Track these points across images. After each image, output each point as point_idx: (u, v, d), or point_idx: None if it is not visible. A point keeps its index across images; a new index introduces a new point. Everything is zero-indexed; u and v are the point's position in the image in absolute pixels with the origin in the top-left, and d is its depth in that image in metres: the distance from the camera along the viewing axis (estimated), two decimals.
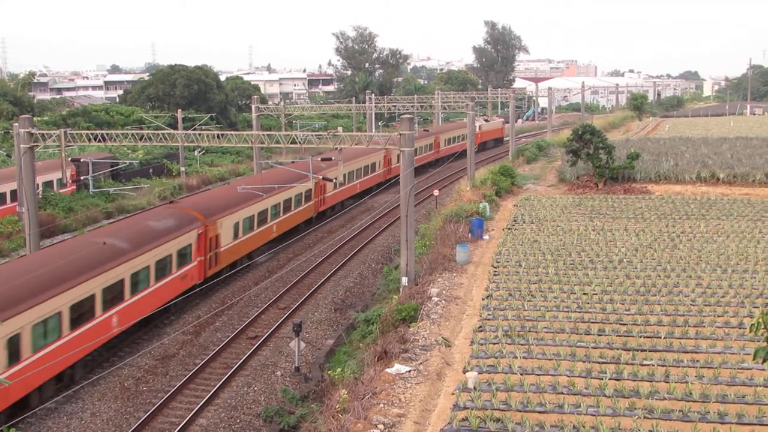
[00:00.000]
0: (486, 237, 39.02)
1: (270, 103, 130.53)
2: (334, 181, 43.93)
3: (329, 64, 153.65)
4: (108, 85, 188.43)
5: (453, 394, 20.12)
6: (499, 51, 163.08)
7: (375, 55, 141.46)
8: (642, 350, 22.69)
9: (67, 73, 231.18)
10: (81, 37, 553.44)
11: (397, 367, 21.84)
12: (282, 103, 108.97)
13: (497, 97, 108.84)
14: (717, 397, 19.31)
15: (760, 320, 11.57)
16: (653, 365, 21.45)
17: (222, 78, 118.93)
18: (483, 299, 28.23)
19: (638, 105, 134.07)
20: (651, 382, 20.34)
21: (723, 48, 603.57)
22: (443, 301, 28.19)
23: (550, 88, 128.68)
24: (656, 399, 19.29)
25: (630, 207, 45.93)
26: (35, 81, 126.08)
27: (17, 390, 21.91)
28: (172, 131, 39.80)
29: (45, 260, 25.90)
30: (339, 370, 22.80)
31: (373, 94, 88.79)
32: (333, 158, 39.05)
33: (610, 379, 20.55)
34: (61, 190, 53.85)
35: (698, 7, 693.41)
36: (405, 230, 30.96)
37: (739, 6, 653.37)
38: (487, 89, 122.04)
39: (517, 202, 48.86)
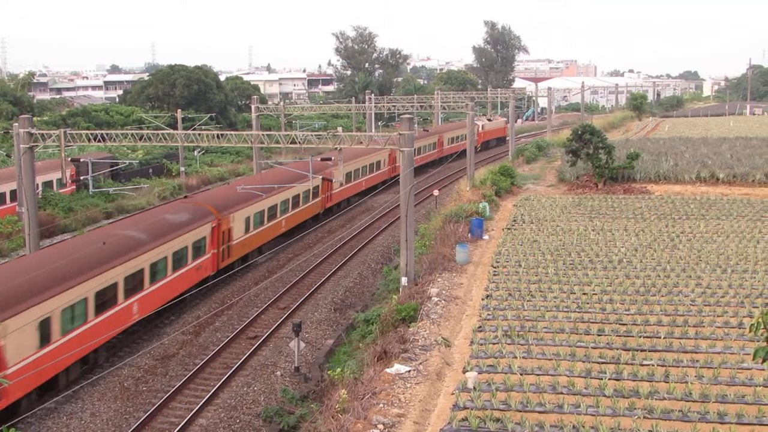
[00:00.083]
0: (486, 237, 39.02)
1: (270, 103, 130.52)
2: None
3: (329, 64, 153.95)
4: (108, 85, 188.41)
5: (453, 394, 20.12)
6: (499, 51, 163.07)
7: (375, 55, 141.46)
8: (642, 350, 22.70)
9: (66, 73, 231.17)
10: (81, 37, 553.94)
11: (397, 367, 21.84)
12: (282, 103, 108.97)
13: (497, 97, 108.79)
14: (717, 397, 19.31)
15: (760, 320, 11.58)
16: (653, 365, 21.45)
17: (222, 78, 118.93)
18: (483, 299, 28.24)
19: (638, 105, 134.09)
20: (651, 382, 20.34)
21: (723, 48, 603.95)
22: (443, 301, 28.19)
23: (549, 88, 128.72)
24: (656, 399, 19.29)
25: (630, 207, 45.93)
26: (35, 81, 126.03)
27: (49, 370, 23.28)
28: (171, 131, 39.81)
29: (71, 249, 27.30)
30: (339, 370, 22.81)
31: (372, 94, 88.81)
32: (333, 158, 39.17)
33: (609, 379, 20.55)
34: (61, 190, 53.84)
35: (698, 7, 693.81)
36: (405, 230, 30.96)
37: (739, 6, 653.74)
38: (487, 89, 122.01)
39: (517, 202, 48.87)
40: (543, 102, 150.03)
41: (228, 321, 32.19)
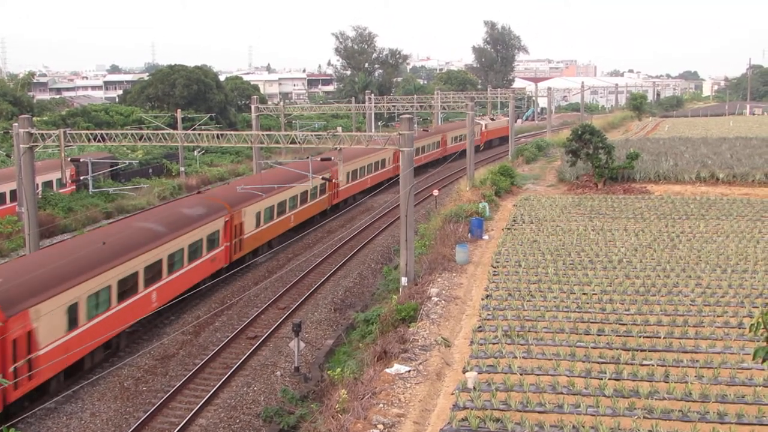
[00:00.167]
0: (485, 237, 39.02)
1: (269, 103, 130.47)
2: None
3: (329, 64, 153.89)
4: (107, 85, 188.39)
5: (452, 394, 20.12)
6: (499, 51, 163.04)
7: (374, 55, 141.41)
8: (641, 350, 22.70)
9: (66, 73, 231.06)
10: (81, 37, 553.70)
11: (397, 367, 21.84)
12: (281, 103, 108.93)
13: (497, 97, 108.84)
14: (716, 397, 19.31)
15: (760, 320, 11.58)
16: (653, 365, 21.45)
17: (221, 78, 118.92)
18: (482, 299, 28.24)
19: (638, 105, 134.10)
20: (650, 382, 20.34)
21: (722, 48, 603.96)
22: (443, 301, 28.19)
23: (549, 88, 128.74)
24: (656, 399, 19.29)
25: (629, 207, 45.93)
26: (35, 81, 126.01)
27: (76, 352, 24.73)
28: (171, 131, 39.82)
29: (95, 239, 28.68)
30: (338, 370, 22.81)
31: (372, 94, 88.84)
32: (332, 158, 39.30)
33: (609, 379, 20.55)
34: (61, 190, 53.84)
35: (698, 7, 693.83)
36: (404, 230, 30.96)
37: (739, 6, 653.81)
38: (487, 89, 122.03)
39: (517, 202, 48.87)
40: (543, 102, 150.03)
41: (228, 321, 32.19)
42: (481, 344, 23.37)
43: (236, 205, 37.49)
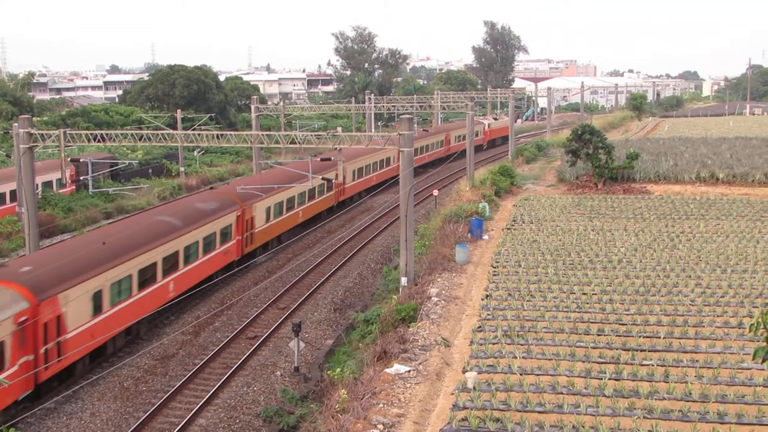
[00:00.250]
0: (485, 237, 39.02)
1: (269, 103, 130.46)
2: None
3: (329, 64, 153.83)
4: (107, 85, 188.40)
5: (452, 394, 20.12)
6: (499, 51, 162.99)
7: (374, 55, 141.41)
8: (641, 350, 22.70)
9: (66, 74, 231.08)
10: (81, 37, 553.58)
11: (397, 367, 21.84)
12: (281, 104, 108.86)
13: (497, 97, 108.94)
14: (716, 397, 19.32)
15: (760, 320, 11.58)
16: (653, 365, 21.45)
17: (221, 78, 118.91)
18: (482, 299, 28.24)
19: (637, 105, 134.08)
20: (650, 382, 20.34)
21: (722, 48, 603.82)
22: (443, 301, 28.18)
23: (549, 88, 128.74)
24: (656, 399, 19.29)
25: (629, 207, 45.93)
26: (35, 81, 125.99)
27: (100, 335, 26.21)
28: (171, 131, 39.83)
29: (117, 231, 30.30)
30: (338, 370, 22.81)
31: (372, 94, 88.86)
32: (332, 158, 39.52)
33: (609, 379, 20.55)
34: (61, 191, 53.82)
35: (698, 7, 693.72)
36: (404, 230, 30.96)
37: (739, 6, 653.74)
38: (487, 89, 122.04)
39: (517, 202, 48.87)
40: (543, 102, 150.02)
41: (228, 321, 32.19)
42: (481, 344, 23.37)
43: (247, 200, 38.84)
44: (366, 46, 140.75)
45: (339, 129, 36.70)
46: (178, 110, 72.96)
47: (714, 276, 30.60)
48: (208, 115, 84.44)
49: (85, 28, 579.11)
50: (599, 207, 46.30)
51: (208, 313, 32.84)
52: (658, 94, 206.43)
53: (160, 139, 35.60)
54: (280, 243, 44.32)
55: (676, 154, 62.03)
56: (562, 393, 19.83)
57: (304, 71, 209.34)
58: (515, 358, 22.23)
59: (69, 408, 24.12)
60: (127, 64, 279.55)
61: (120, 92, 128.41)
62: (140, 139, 35.51)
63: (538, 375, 20.96)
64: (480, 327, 25.08)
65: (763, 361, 11.60)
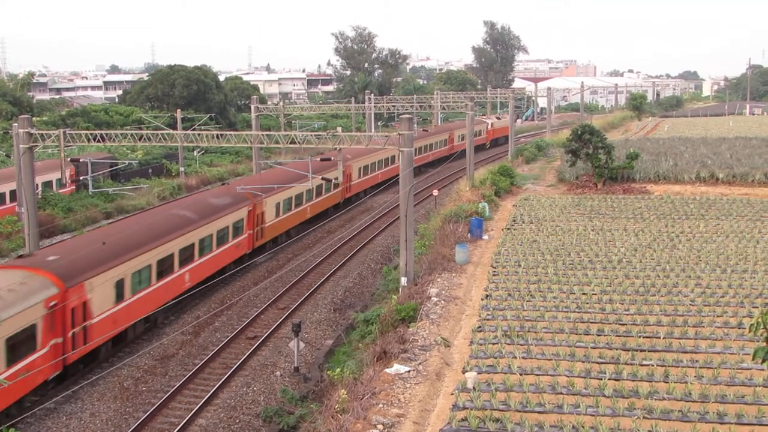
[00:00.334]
0: (485, 237, 39.01)
1: (269, 103, 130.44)
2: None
3: (328, 64, 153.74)
4: (107, 85, 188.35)
5: (452, 394, 20.12)
6: (499, 51, 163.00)
7: (374, 55, 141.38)
8: (641, 350, 22.69)
9: (66, 74, 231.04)
10: (80, 37, 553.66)
11: (397, 368, 21.84)
12: (281, 103, 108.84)
13: (496, 97, 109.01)
14: (716, 397, 19.31)
15: (760, 320, 11.58)
16: (652, 365, 21.45)
17: (221, 78, 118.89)
18: (482, 299, 28.23)
19: (637, 105, 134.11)
20: (650, 382, 20.34)
21: (722, 48, 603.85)
22: (442, 302, 28.18)
23: (549, 88, 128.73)
24: (655, 399, 19.29)
25: (629, 207, 45.93)
26: (34, 81, 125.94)
27: (122, 321, 27.68)
28: (171, 131, 39.83)
29: (136, 223, 31.85)
30: (338, 370, 22.81)
31: (372, 94, 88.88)
32: (332, 158, 39.64)
33: (609, 379, 20.55)
34: (61, 191, 53.81)
35: (698, 7, 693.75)
36: (404, 230, 30.96)
37: (739, 6, 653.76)
38: (487, 89, 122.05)
39: (517, 202, 48.86)
40: (542, 102, 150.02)
41: (228, 321, 32.18)
42: (481, 344, 23.36)
43: (258, 196, 40.17)
44: (366, 46, 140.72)
45: (339, 129, 36.70)
46: (178, 110, 72.92)
47: (714, 276, 30.59)
48: (208, 115, 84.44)
49: (85, 28, 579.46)
50: (599, 207, 46.30)
51: (208, 313, 32.84)
52: (658, 94, 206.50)
53: (160, 139, 35.59)
54: (289, 238, 45.68)
55: (676, 154, 62.03)
56: (561, 393, 19.83)
57: (304, 71, 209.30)
58: (515, 358, 22.23)
59: (69, 408, 24.11)
60: (127, 64, 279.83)
61: (120, 92, 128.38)
62: (140, 139, 35.51)
63: (538, 375, 20.96)
64: (480, 327, 25.08)
65: (763, 361, 11.60)
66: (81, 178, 55.16)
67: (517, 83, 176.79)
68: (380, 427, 18.28)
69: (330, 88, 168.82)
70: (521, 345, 23.23)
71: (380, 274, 37.67)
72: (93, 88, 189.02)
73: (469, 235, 38.69)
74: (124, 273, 27.57)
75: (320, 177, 41.06)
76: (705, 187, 52.69)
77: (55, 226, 46.80)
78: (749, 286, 29.04)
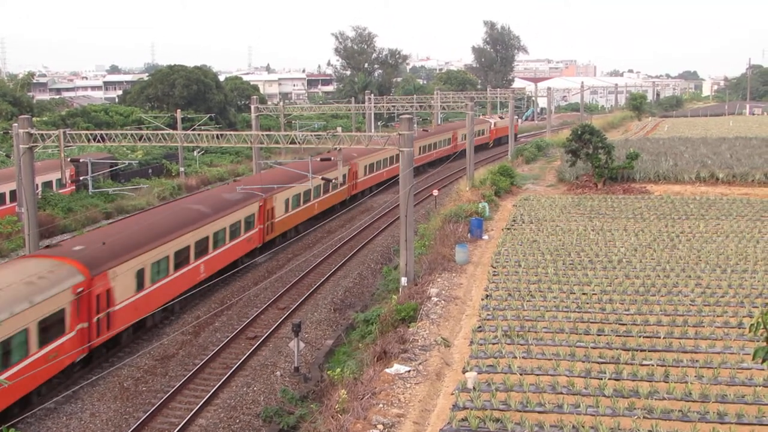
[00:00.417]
0: (485, 237, 39.02)
1: (269, 103, 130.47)
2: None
3: (328, 64, 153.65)
4: (107, 85, 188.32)
5: (452, 394, 20.12)
6: (499, 51, 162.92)
7: (374, 55, 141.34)
8: (641, 350, 22.69)
9: (66, 74, 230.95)
10: (80, 37, 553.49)
11: (397, 368, 21.84)
12: (281, 104, 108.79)
13: (496, 97, 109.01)
14: (716, 397, 19.31)
15: (760, 320, 11.58)
16: (652, 365, 21.45)
17: (221, 78, 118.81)
18: (482, 299, 28.23)
19: (637, 105, 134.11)
20: (650, 382, 20.34)
21: (722, 48, 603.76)
22: (442, 302, 28.18)
23: (549, 88, 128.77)
24: (655, 399, 19.29)
25: (629, 207, 45.93)
26: (34, 81, 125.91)
27: (144, 310, 29.18)
28: (171, 131, 39.82)
29: (155, 216, 33.15)
30: (338, 370, 22.80)
31: (372, 94, 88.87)
32: (332, 158, 39.72)
33: (609, 379, 20.55)
34: (61, 191, 53.80)
35: (698, 7, 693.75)
36: (404, 230, 30.96)
37: (739, 6, 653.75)
38: (487, 89, 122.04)
39: (517, 202, 48.86)
40: (542, 102, 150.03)
41: (228, 321, 32.18)
42: (481, 344, 23.36)
43: (268, 192, 41.32)
44: (366, 46, 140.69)
45: (339, 129, 36.75)
46: (178, 110, 72.90)
47: (714, 276, 30.59)
48: (208, 115, 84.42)
49: (85, 28, 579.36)
50: (599, 207, 46.30)
51: (208, 313, 32.84)
52: (658, 94, 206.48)
53: (160, 139, 35.59)
54: (297, 233, 46.88)
55: (675, 154, 62.03)
56: (562, 393, 19.83)
57: (304, 71, 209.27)
58: (515, 358, 22.23)
59: (69, 408, 24.11)
60: (127, 64, 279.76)
61: (120, 92, 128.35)
62: (140, 139, 35.51)
63: (538, 375, 20.96)
64: (480, 327, 25.08)
65: (763, 361, 11.60)
66: (81, 178, 55.14)
67: (517, 83, 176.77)
68: (380, 427, 18.29)
69: (330, 88, 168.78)
70: (521, 345, 23.23)
71: (380, 274, 37.66)
72: (93, 88, 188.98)
73: (469, 235, 38.69)
74: (144, 263, 28.95)
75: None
76: (705, 187, 52.69)
77: (55, 226, 46.78)
78: (749, 286, 29.04)
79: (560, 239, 37.41)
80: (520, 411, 18.79)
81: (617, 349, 22.72)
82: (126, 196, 55.77)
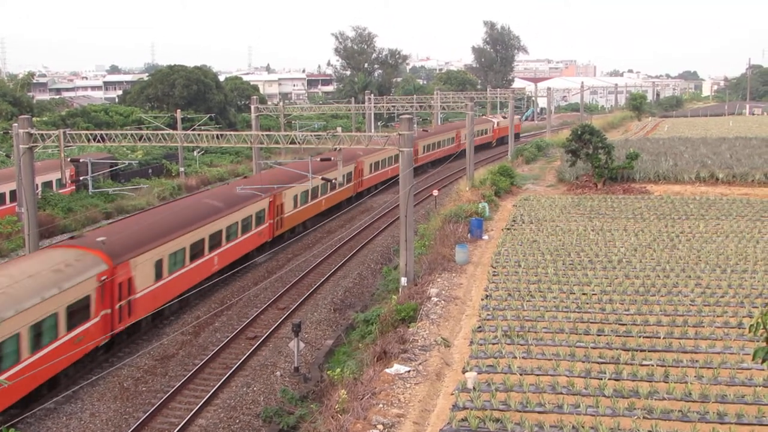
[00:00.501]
0: (485, 237, 39.02)
1: (269, 103, 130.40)
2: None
3: (328, 64, 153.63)
4: (107, 85, 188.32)
5: (452, 394, 20.12)
6: (498, 51, 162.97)
7: (374, 55, 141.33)
8: (641, 350, 22.69)
9: (66, 74, 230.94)
10: (80, 37, 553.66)
11: (397, 368, 21.84)
12: (281, 104, 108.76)
13: (496, 97, 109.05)
14: (716, 398, 19.31)
15: (760, 320, 11.58)
16: (652, 365, 21.45)
17: (221, 78, 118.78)
18: (482, 299, 28.23)
19: (637, 105, 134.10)
20: (650, 382, 20.34)
21: (722, 48, 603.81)
22: (442, 302, 28.18)
23: (549, 88, 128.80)
24: (655, 399, 19.29)
25: (629, 207, 45.93)
26: (34, 81, 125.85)
27: (162, 299, 30.45)
28: (171, 131, 39.83)
29: (172, 210, 34.79)
30: (338, 370, 22.80)
31: (372, 95, 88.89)
32: (332, 158, 39.75)
33: (609, 379, 20.55)
34: (61, 191, 53.80)
35: (698, 7, 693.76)
36: (404, 230, 30.96)
37: (739, 6, 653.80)
38: (486, 89, 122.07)
39: (517, 203, 48.86)
40: (542, 102, 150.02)
41: (228, 321, 32.18)
42: (481, 344, 23.36)
43: (278, 188, 42.67)
44: (366, 46, 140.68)
45: (339, 129, 36.79)
46: (178, 110, 72.90)
47: (714, 276, 30.59)
48: (208, 115, 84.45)
49: (85, 28, 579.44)
50: (599, 207, 46.30)
51: (208, 313, 32.84)
52: (658, 94, 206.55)
53: (160, 139, 35.58)
54: (305, 229, 48.11)
55: (675, 154, 62.04)
56: (562, 393, 19.83)
57: (303, 71, 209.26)
58: (515, 358, 22.23)
59: (69, 408, 24.11)
60: (126, 64, 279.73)
61: (120, 92, 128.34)
62: (140, 140, 35.51)
63: (538, 375, 20.96)
64: (480, 327, 25.08)
65: (763, 361, 11.60)
66: (81, 178, 55.12)
67: (517, 83, 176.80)
68: (380, 427, 18.29)
69: (330, 88, 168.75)
70: (521, 345, 23.23)
71: (380, 274, 37.66)
72: (93, 88, 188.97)
73: (469, 235, 38.69)
74: (162, 254, 30.25)
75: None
76: (705, 187, 52.70)
77: (55, 226, 46.77)
78: (749, 286, 29.04)
79: (560, 239, 37.40)
80: (520, 411, 18.79)
81: (617, 350, 22.72)
82: (126, 196, 55.76)
